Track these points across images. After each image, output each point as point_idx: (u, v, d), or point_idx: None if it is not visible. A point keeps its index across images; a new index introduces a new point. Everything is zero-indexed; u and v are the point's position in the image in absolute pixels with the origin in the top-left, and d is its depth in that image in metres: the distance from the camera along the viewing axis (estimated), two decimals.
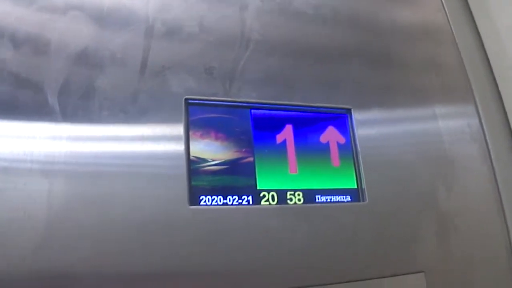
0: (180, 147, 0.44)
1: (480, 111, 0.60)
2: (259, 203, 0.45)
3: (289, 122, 0.49)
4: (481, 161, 0.57)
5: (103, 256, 0.38)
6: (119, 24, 0.47)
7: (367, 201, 0.49)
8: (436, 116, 0.57)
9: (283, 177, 0.46)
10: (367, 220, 0.48)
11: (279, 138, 0.48)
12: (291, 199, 0.46)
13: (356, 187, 0.49)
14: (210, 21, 0.50)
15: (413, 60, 0.60)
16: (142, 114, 0.44)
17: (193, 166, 0.44)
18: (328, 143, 0.50)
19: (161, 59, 0.47)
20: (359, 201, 0.49)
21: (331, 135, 0.50)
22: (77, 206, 0.39)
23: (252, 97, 0.48)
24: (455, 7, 0.68)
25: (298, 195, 0.46)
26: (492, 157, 0.58)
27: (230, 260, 0.42)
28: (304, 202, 0.46)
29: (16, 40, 0.43)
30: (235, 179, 0.45)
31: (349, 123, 0.52)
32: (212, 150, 0.45)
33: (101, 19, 0.47)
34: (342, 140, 0.51)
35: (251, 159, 0.46)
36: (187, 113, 0.45)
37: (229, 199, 0.44)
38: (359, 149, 0.51)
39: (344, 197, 0.48)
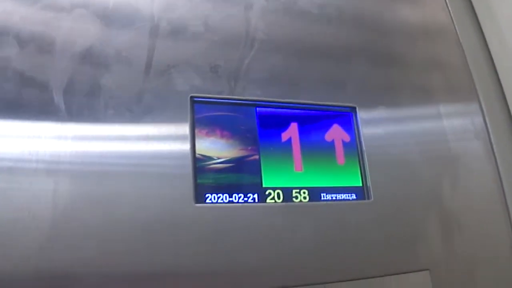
0: (185, 145, 0.44)
1: (484, 110, 0.60)
2: (265, 201, 0.45)
3: (294, 120, 0.49)
4: (485, 160, 0.57)
5: (108, 256, 0.38)
6: (124, 23, 0.47)
7: (372, 199, 0.49)
8: (440, 115, 0.57)
9: (289, 175, 0.47)
10: (372, 218, 0.48)
11: (285, 136, 0.48)
12: (296, 197, 0.46)
13: (361, 185, 0.49)
14: (215, 20, 0.51)
15: (417, 59, 0.60)
16: (147, 113, 0.44)
17: (199, 164, 0.44)
18: (333, 141, 0.50)
19: (166, 57, 0.47)
20: (364, 199, 0.49)
21: (336, 133, 0.50)
22: (82, 205, 0.39)
23: (257, 96, 0.49)
24: (459, 6, 0.68)
25: (304, 193, 0.46)
26: (496, 155, 0.58)
27: (235, 258, 0.42)
28: (309, 200, 0.46)
29: (21, 39, 0.43)
30: (240, 177, 0.45)
31: (354, 121, 0.52)
32: (217, 148, 0.45)
33: (106, 17, 0.47)
34: (347, 138, 0.51)
35: (256, 157, 0.46)
36: (193, 111, 0.45)
37: (235, 197, 0.44)
38: (364, 147, 0.51)
39: (349, 195, 0.48)
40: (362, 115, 0.52)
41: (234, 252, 0.42)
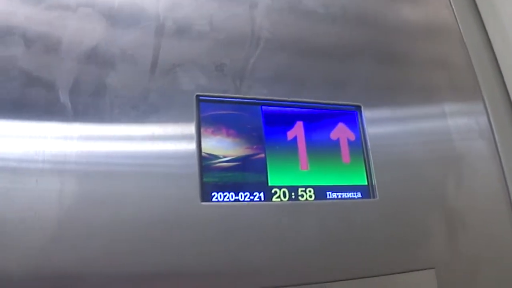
0: (191, 143, 0.44)
1: (489, 109, 0.60)
2: (271, 200, 0.45)
3: (299, 119, 0.49)
4: (490, 159, 0.57)
5: (114, 255, 0.38)
6: (130, 22, 0.47)
7: (377, 197, 0.49)
8: (444, 114, 0.57)
9: (295, 173, 0.47)
10: (378, 217, 0.48)
11: (290, 134, 0.48)
12: (302, 196, 0.46)
13: (366, 183, 0.49)
14: (220, 19, 0.51)
15: (421, 58, 0.60)
16: (153, 112, 0.44)
17: (205, 162, 0.44)
18: (338, 139, 0.50)
19: (172, 56, 0.47)
20: (369, 197, 0.49)
21: (341, 132, 0.50)
22: (88, 205, 0.39)
23: (262, 94, 0.49)
24: (462, 4, 0.68)
25: (310, 191, 0.46)
26: (501, 155, 0.58)
27: (241, 256, 0.42)
28: (315, 199, 0.46)
29: (27, 38, 0.43)
30: (246, 175, 0.45)
31: (359, 120, 0.52)
32: (223, 147, 0.45)
33: (112, 16, 0.47)
34: (352, 136, 0.51)
35: (262, 155, 0.46)
36: (198, 110, 0.45)
37: (241, 196, 0.44)
38: (369, 146, 0.51)
39: (355, 193, 0.48)
40: (366, 114, 0.52)
41: (240, 251, 0.42)
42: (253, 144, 0.46)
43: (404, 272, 0.46)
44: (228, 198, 0.43)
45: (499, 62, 0.64)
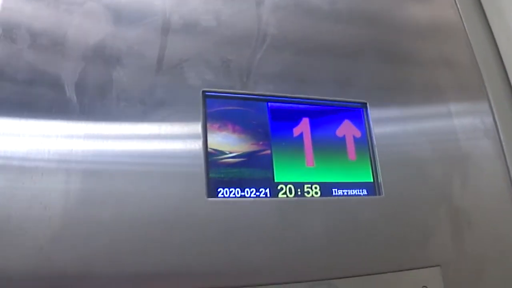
0: (198, 139, 0.44)
1: (494, 108, 0.60)
2: (277, 196, 0.45)
3: (305, 115, 0.49)
4: (495, 158, 0.57)
5: (120, 255, 0.38)
6: (136, 17, 0.47)
7: (383, 195, 0.49)
8: (450, 113, 0.57)
9: (300, 170, 0.47)
10: (384, 214, 0.48)
11: (296, 131, 0.48)
12: (308, 192, 0.46)
13: (372, 181, 0.49)
14: (227, 15, 0.51)
15: (426, 57, 0.60)
16: (159, 107, 0.44)
17: (211, 158, 0.44)
18: (344, 136, 0.50)
19: (178, 52, 0.47)
20: (375, 195, 0.49)
21: (347, 129, 0.50)
22: (92, 204, 0.38)
23: (269, 91, 0.49)
24: (467, 3, 0.68)
25: (315, 188, 0.46)
26: (506, 154, 0.58)
27: (247, 252, 0.42)
28: (321, 195, 0.46)
29: (33, 33, 0.43)
30: (252, 171, 0.45)
31: (365, 117, 0.52)
32: (229, 143, 0.45)
33: (118, 11, 0.47)
34: (358, 134, 0.51)
35: (268, 151, 0.46)
36: (205, 106, 0.45)
37: (247, 192, 0.44)
38: (375, 143, 0.51)
39: (361, 190, 0.48)
40: (372, 111, 0.52)
41: (246, 247, 0.42)
42: (259, 140, 0.46)
43: (410, 269, 0.46)
44: (234, 194, 0.43)
45: (504, 61, 0.64)
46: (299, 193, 0.45)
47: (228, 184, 0.43)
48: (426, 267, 0.47)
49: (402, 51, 0.59)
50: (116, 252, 0.38)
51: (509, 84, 0.63)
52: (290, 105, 0.49)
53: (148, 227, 0.39)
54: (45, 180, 0.38)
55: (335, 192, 0.47)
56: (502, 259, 0.51)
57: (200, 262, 0.40)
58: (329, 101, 0.51)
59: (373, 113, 0.52)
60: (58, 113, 0.40)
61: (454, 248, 0.49)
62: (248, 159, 0.45)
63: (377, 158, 0.50)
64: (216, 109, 0.46)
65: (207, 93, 0.46)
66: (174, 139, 0.43)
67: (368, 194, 0.48)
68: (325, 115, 0.50)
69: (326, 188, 0.47)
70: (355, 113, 0.52)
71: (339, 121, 0.50)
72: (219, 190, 0.43)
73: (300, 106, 0.49)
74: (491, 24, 0.67)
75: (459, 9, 0.66)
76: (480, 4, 0.69)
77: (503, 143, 0.58)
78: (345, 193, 0.47)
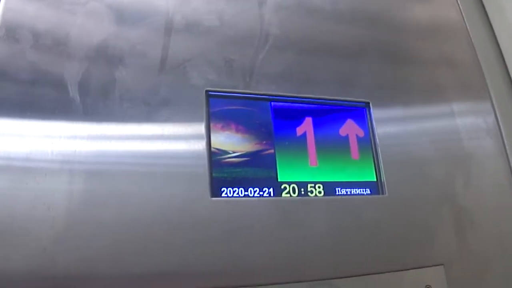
0: (201, 139, 0.44)
1: (496, 108, 0.60)
2: (280, 195, 0.45)
3: (308, 115, 0.49)
4: (498, 157, 0.57)
5: (124, 256, 0.38)
6: (139, 17, 0.47)
7: (386, 194, 0.49)
8: (452, 112, 0.57)
9: (304, 169, 0.47)
10: (387, 213, 0.48)
11: (299, 130, 0.48)
12: (311, 192, 0.46)
13: (375, 180, 0.49)
14: (229, 15, 0.51)
15: (428, 56, 0.60)
16: (162, 106, 0.44)
17: (214, 158, 0.44)
18: (347, 136, 0.50)
19: (181, 51, 0.47)
20: (378, 194, 0.49)
21: (350, 128, 0.50)
22: (97, 203, 0.38)
23: (271, 90, 0.49)
24: (469, 3, 0.68)
25: (319, 187, 0.46)
26: (509, 153, 0.58)
27: (251, 252, 0.41)
28: (324, 195, 0.46)
29: (36, 33, 0.42)
30: (256, 171, 0.45)
31: (368, 117, 0.52)
32: (233, 142, 0.45)
33: (121, 11, 0.47)
34: (361, 133, 0.51)
35: (271, 151, 0.46)
36: (208, 105, 0.45)
37: (250, 191, 0.44)
38: (378, 142, 0.51)
39: (364, 189, 0.48)
40: (375, 110, 0.52)
41: (250, 246, 0.42)
42: (263, 139, 0.46)
43: (413, 268, 0.46)
44: (238, 193, 0.43)
45: (506, 60, 0.64)
46: (302, 192, 0.46)
47: (232, 184, 0.43)
48: (430, 266, 0.47)
49: (404, 51, 0.59)
50: (120, 253, 0.38)
51: (511, 83, 0.63)
52: (293, 104, 0.49)
53: (151, 227, 0.39)
54: (48, 181, 0.38)
55: (338, 192, 0.47)
56: (505, 258, 0.51)
57: (203, 261, 0.40)
58: (332, 100, 0.51)
59: (375, 113, 0.52)
60: (61, 114, 0.40)
61: (457, 247, 0.49)
62: (252, 158, 0.45)
63: (380, 157, 0.50)
64: (219, 109, 0.46)
65: (210, 93, 0.46)
66: (177, 139, 0.43)
67: (371, 194, 0.48)
68: (328, 114, 0.50)
69: (330, 188, 0.47)
70: (358, 112, 0.52)
71: (342, 121, 0.50)
72: (222, 189, 0.43)
73: (303, 105, 0.49)
74: (492, 23, 0.67)
75: (461, 9, 0.66)
76: (482, 3, 0.69)
77: (506, 142, 0.58)
78: (349, 193, 0.47)
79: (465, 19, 0.65)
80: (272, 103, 0.48)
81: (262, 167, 0.45)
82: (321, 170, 0.47)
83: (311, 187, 0.46)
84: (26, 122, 0.39)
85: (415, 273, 0.46)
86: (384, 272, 0.45)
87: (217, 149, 0.44)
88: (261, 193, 0.44)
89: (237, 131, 0.46)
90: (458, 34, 0.64)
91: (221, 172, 0.43)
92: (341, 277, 0.44)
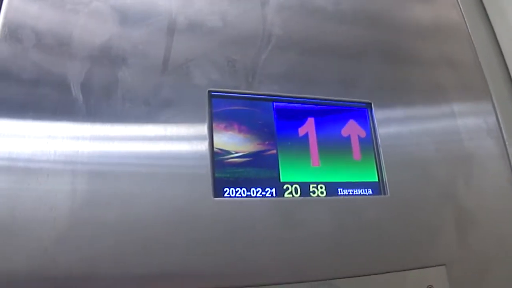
0: (203, 139, 0.44)
1: (497, 108, 0.60)
2: (282, 196, 0.45)
3: (311, 115, 0.49)
4: (499, 158, 0.57)
5: (125, 256, 0.38)
6: (142, 17, 0.47)
7: (388, 194, 0.49)
8: (453, 113, 0.57)
9: (306, 169, 0.47)
10: (389, 214, 0.48)
11: (301, 131, 0.48)
12: (314, 192, 0.46)
13: (377, 180, 0.49)
14: (232, 16, 0.51)
15: (429, 57, 0.60)
16: (165, 107, 0.44)
17: (217, 158, 0.44)
18: (349, 136, 0.50)
19: (184, 51, 0.47)
20: (380, 194, 0.49)
21: (352, 129, 0.50)
22: (100, 204, 0.38)
23: (273, 90, 0.49)
24: (469, 4, 0.68)
25: (321, 187, 0.46)
26: (510, 153, 0.58)
27: (253, 252, 0.42)
28: (326, 195, 0.46)
29: (38, 32, 0.43)
30: (258, 171, 0.45)
31: (370, 117, 0.52)
32: (235, 142, 0.45)
33: (124, 11, 0.47)
34: (363, 133, 0.51)
35: (274, 151, 0.46)
36: (211, 106, 0.45)
37: (253, 191, 0.44)
38: (379, 143, 0.51)
39: (366, 190, 0.48)
40: (376, 111, 0.52)
41: (252, 246, 0.42)
42: (265, 140, 0.46)
43: (415, 268, 0.46)
44: (240, 193, 0.43)
45: (507, 61, 0.65)
46: (304, 193, 0.46)
47: (234, 184, 0.43)
48: (432, 267, 0.47)
49: (405, 52, 0.59)
50: (122, 253, 0.38)
51: None
52: (296, 105, 0.49)
53: (154, 227, 0.39)
54: (50, 181, 0.38)
55: (340, 192, 0.47)
56: (507, 259, 0.51)
57: (205, 262, 0.40)
58: (334, 101, 0.51)
59: (377, 113, 0.52)
60: (63, 114, 0.40)
61: (459, 247, 0.49)
62: (254, 159, 0.45)
63: (382, 158, 0.50)
64: (222, 109, 0.46)
65: (213, 93, 0.46)
66: (180, 139, 0.43)
67: (373, 194, 0.49)
68: (330, 115, 0.50)
69: (332, 188, 0.47)
70: (360, 113, 0.52)
71: (344, 121, 0.50)
72: (225, 190, 0.43)
73: (305, 106, 0.50)
74: (493, 24, 0.67)
75: (462, 10, 0.66)
76: (482, 4, 0.69)
77: (506, 143, 0.58)
78: (351, 193, 0.48)
79: (466, 20, 0.65)
80: (274, 103, 0.48)
81: (265, 168, 0.45)
82: (323, 171, 0.47)
83: (313, 187, 0.46)
84: (28, 123, 0.39)
85: (417, 273, 0.46)
86: (386, 272, 0.45)
87: (219, 149, 0.44)
88: (263, 193, 0.44)
89: (240, 131, 0.46)
90: (459, 34, 0.64)
91: (224, 172, 0.43)
92: (343, 277, 0.44)
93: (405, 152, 0.52)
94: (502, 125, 0.59)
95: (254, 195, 0.44)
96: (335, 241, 0.45)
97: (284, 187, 0.45)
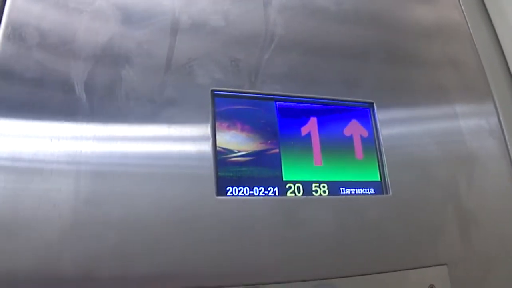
0: (206, 138, 0.44)
1: (499, 109, 0.60)
2: (285, 194, 0.45)
3: (313, 115, 0.49)
4: (501, 158, 0.57)
5: (130, 250, 0.38)
6: (145, 16, 0.47)
7: (390, 194, 0.49)
8: (455, 113, 0.57)
9: (309, 169, 0.47)
10: (391, 213, 0.48)
11: (304, 130, 0.48)
12: (316, 191, 0.46)
13: (379, 180, 0.50)
14: (235, 15, 0.51)
15: (432, 57, 0.60)
16: (168, 105, 0.44)
17: (220, 157, 0.44)
18: (351, 136, 0.50)
19: (187, 51, 0.47)
20: (382, 193, 0.49)
21: (354, 128, 0.51)
22: (103, 203, 0.39)
23: (276, 90, 0.49)
24: (471, 4, 0.68)
25: (323, 187, 0.47)
26: (511, 154, 0.58)
27: (256, 250, 0.42)
28: (329, 194, 0.47)
29: (42, 31, 0.43)
30: (261, 170, 0.45)
31: (372, 117, 0.52)
32: (238, 142, 0.45)
33: (127, 10, 0.47)
34: (365, 133, 0.51)
35: (276, 150, 0.46)
36: (214, 105, 0.46)
37: (256, 190, 0.44)
38: (382, 142, 0.51)
39: (368, 189, 0.48)
40: (379, 111, 0.53)
41: (255, 245, 0.42)
42: (268, 139, 0.46)
43: (417, 268, 0.46)
44: (243, 192, 0.43)
45: (508, 61, 0.65)
46: (307, 191, 0.46)
47: (237, 183, 0.43)
48: (433, 266, 0.47)
49: (407, 52, 0.59)
50: (125, 252, 0.38)
51: None
52: (298, 104, 0.49)
53: (157, 226, 0.39)
54: (54, 181, 0.38)
55: (342, 191, 0.47)
56: (508, 258, 0.52)
57: (208, 260, 0.40)
58: (337, 100, 0.51)
59: (379, 113, 0.52)
60: (67, 113, 0.40)
61: (460, 247, 0.50)
62: (257, 158, 0.45)
63: (384, 158, 0.50)
64: (225, 108, 0.46)
65: (216, 92, 0.46)
66: (183, 138, 0.43)
67: (375, 193, 0.49)
68: (333, 114, 0.50)
69: (334, 187, 0.47)
70: (362, 112, 0.52)
71: (347, 121, 0.51)
72: (228, 188, 0.43)
73: (308, 105, 0.50)
74: (494, 25, 0.67)
75: (463, 11, 0.66)
76: (484, 5, 0.69)
77: (508, 143, 0.58)
78: (353, 192, 0.48)
79: (467, 21, 0.66)
80: (277, 102, 0.48)
81: (267, 167, 0.45)
82: (325, 170, 0.47)
83: (315, 186, 0.46)
84: (32, 122, 0.39)
85: (419, 272, 0.46)
86: (388, 272, 0.45)
87: (222, 148, 0.44)
88: (266, 192, 0.44)
89: (243, 130, 0.46)
90: (460, 35, 0.64)
91: (227, 171, 0.43)
92: (345, 276, 0.44)
93: (407, 152, 0.52)
94: (504, 126, 0.59)
95: (257, 194, 0.44)
96: (338, 240, 0.45)
97: (287, 186, 0.45)
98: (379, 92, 0.54)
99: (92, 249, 0.37)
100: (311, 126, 0.49)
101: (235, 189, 0.43)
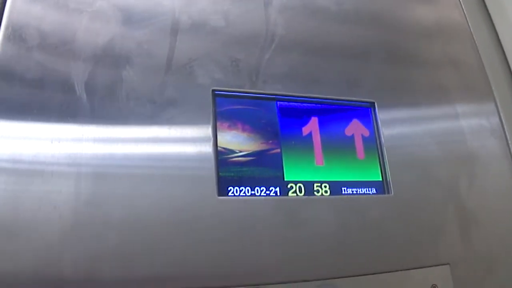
0: (207, 138, 0.44)
1: (500, 108, 0.60)
2: (287, 194, 0.45)
3: (314, 115, 0.49)
4: (502, 158, 0.57)
5: (131, 251, 0.38)
6: (146, 16, 0.47)
7: (392, 193, 0.49)
8: (456, 113, 0.57)
9: (310, 169, 0.47)
10: (393, 213, 0.48)
11: (305, 130, 0.48)
12: (318, 191, 0.46)
13: (381, 179, 0.49)
14: (235, 15, 0.51)
15: (432, 57, 0.60)
16: (169, 106, 0.44)
17: (221, 157, 0.44)
18: (353, 135, 0.50)
19: (188, 51, 0.47)
20: (384, 193, 0.49)
21: (355, 128, 0.50)
22: (104, 204, 0.38)
23: (277, 90, 0.49)
24: (472, 4, 0.68)
25: (325, 186, 0.46)
26: None
27: (257, 251, 0.42)
28: (330, 194, 0.46)
29: (42, 31, 0.43)
30: (262, 170, 0.45)
31: (373, 117, 0.52)
32: (239, 141, 0.45)
33: (128, 11, 0.47)
34: (366, 133, 0.51)
35: (278, 150, 0.46)
36: (215, 105, 0.45)
37: (257, 190, 0.44)
38: (383, 142, 0.51)
39: (370, 189, 0.48)
40: (380, 111, 0.52)
41: (256, 245, 0.42)
42: (269, 139, 0.46)
43: (419, 268, 0.46)
44: (245, 192, 0.43)
45: (509, 61, 0.65)
46: (309, 191, 0.46)
47: (239, 183, 0.43)
48: (435, 266, 0.47)
49: (408, 52, 0.59)
50: (126, 253, 0.38)
51: None
52: (299, 104, 0.49)
53: (158, 227, 0.39)
54: (54, 182, 0.38)
55: (344, 191, 0.47)
56: (510, 258, 0.51)
57: (209, 260, 0.40)
58: (338, 100, 0.51)
59: (381, 113, 0.52)
60: (68, 113, 0.40)
61: (463, 246, 0.49)
62: (258, 158, 0.45)
63: (386, 157, 0.50)
64: (226, 108, 0.46)
65: (216, 92, 0.46)
66: (184, 138, 0.43)
67: (377, 193, 0.49)
68: (334, 114, 0.50)
69: (336, 187, 0.47)
70: (363, 112, 0.52)
71: (348, 120, 0.51)
72: (229, 188, 0.43)
73: (309, 105, 0.50)
74: (495, 24, 0.67)
75: (464, 10, 0.66)
76: (484, 4, 0.69)
77: (509, 143, 0.58)
78: (354, 192, 0.48)
79: (468, 20, 0.66)
80: (278, 102, 0.48)
81: (269, 167, 0.45)
82: (327, 170, 0.47)
83: (317, 186, 0.46)
84: (32, 123, 0.39)
85: (421, 272, 0.46)
86: (390, 272, 0.45)
87: (223, 148, 0.44)
88: (267, 192, 0.44)
89: (244, 130, 0.46)
90: (461, 35, 0.64)
91: (228, 171, 0.43)
92: (347, 276, 0.43)
93: (409, 151, 0.52)
94: (505, 125, 0.59)
95: (258, 194, 0.44)
96: (339, 240, 0.45)
97: (288, 186, 0.45)
98: (380, 92, 0.54)
99: (92, 250, 0.37)
100: (312, 126, 0.48)
101: (236, 189, 0.43)
